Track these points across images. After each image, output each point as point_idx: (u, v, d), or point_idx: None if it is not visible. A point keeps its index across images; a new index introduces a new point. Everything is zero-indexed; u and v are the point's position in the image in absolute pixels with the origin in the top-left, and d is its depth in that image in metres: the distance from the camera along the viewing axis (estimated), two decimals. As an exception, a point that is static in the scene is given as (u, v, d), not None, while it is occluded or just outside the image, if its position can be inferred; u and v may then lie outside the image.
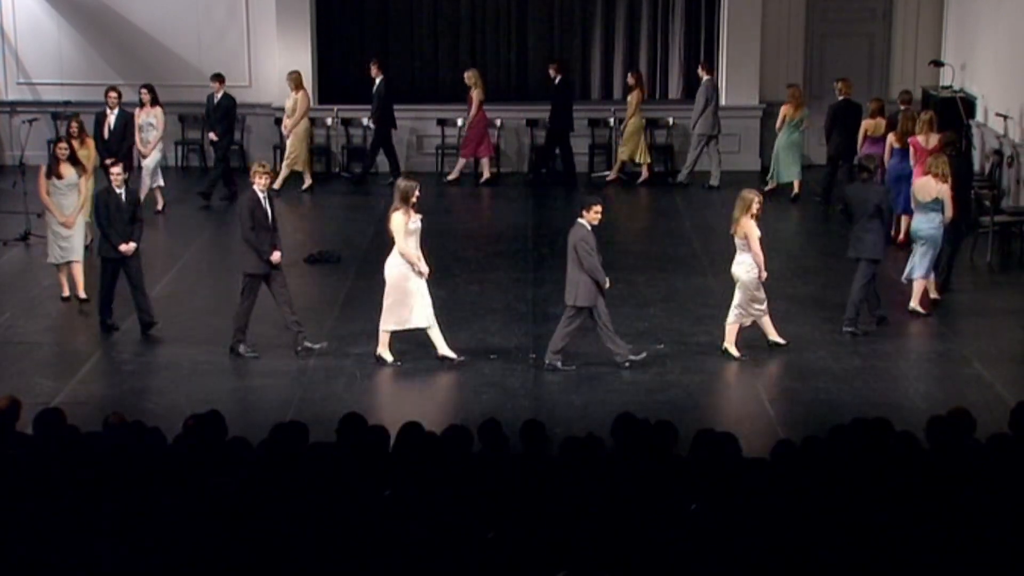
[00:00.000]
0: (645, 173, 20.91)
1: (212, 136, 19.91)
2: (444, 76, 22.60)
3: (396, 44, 22.73)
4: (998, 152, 18.44)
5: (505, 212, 19.61)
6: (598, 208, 12.83)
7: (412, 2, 22.65)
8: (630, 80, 20.96)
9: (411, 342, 13.58)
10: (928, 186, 14.41)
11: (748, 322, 13.27)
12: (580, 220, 12.85)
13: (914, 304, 14.40)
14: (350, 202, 20.09)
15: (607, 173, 21.10)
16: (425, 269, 12.94)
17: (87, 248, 15.20)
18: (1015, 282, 15.89)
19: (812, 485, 8.09)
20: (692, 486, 8.09)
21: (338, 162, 21.72)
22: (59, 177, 14.80)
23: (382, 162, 21.35)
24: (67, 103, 20.68)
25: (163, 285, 15.48)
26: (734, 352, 13.16)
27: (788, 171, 19.69)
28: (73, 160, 15.05)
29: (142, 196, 16.53)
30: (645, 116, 21.49)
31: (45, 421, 9.15)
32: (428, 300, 12.97)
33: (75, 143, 15.69)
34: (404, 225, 12.83)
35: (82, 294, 14.76)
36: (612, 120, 21.46)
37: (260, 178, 13.22)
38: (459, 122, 21.39)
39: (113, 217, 13.76)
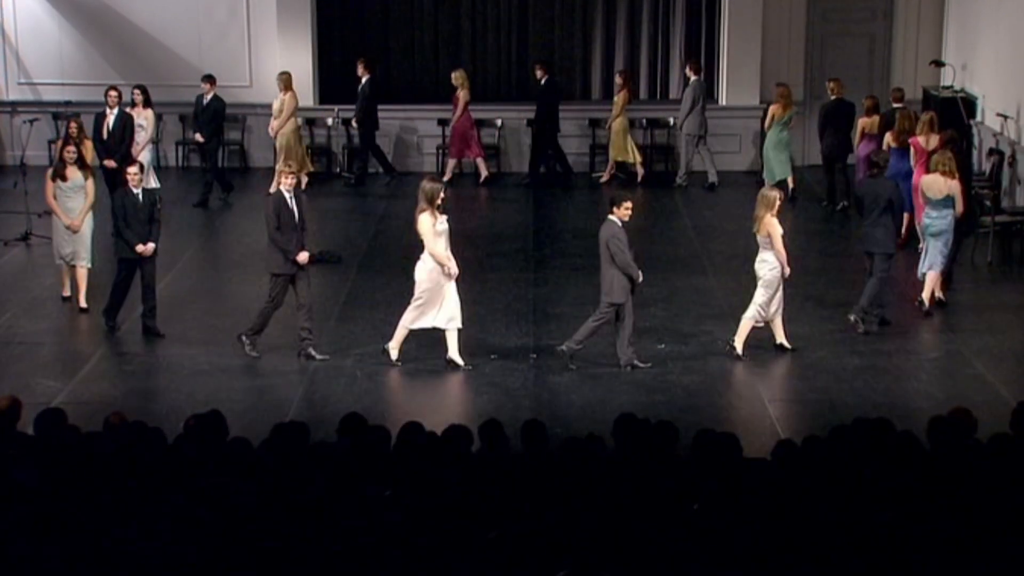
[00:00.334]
0: (641, 172, 20.95)
1: (198, 138, 19.79)
2: (444, 76, 22.52)
3: (396, 44, 22.73)
4: (998, 152, 18.44)
5: (505, 212, 19.61)
6: (628, 204, 12.86)
7: (412, 2, 22.64)
8: (618, 79, 20.98)
9: (411, 342, 13.59)
10: (937, 183, 14.52)
11: (762, 323, 13.26)
12: (611, 216, 12.86)
13: (926, 296, 14.51)
14: (350, 202, 20.09)
15: (602, 174, 21.12)
16: (455, 270, 12.88)
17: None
18: (1015, 282, 15.89)
19: (813, 485, 8.09)
20: (693, 486, 8.09)
21: (338, 162, 21.72)
22: (64, 179, 14.71)
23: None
24: (68, 103, 20.69)
25: (163, 286, 15.41)
26: (738, 348, 13.16)
27: (781, 169, 19.71)
28: (80, 163, 14.97)
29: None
30: (646, 116, 21.59)
31: (46, 421, 9.15)
32: (457, 301, 12.93)
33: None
34: (432, 227, 12.79)
35: (83, 303, 14.62)
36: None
37: (286, 178, 13.16)
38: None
39: (130, 217, 13.71)
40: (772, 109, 19.84)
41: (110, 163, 17.39)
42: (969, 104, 19.37)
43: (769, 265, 13.18)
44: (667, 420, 9.08)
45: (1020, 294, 15.34)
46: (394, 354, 13.01)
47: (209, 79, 19.62)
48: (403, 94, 22.24)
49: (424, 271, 12.89)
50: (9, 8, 21.80)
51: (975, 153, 19.23)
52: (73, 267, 14.78)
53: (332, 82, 22.03)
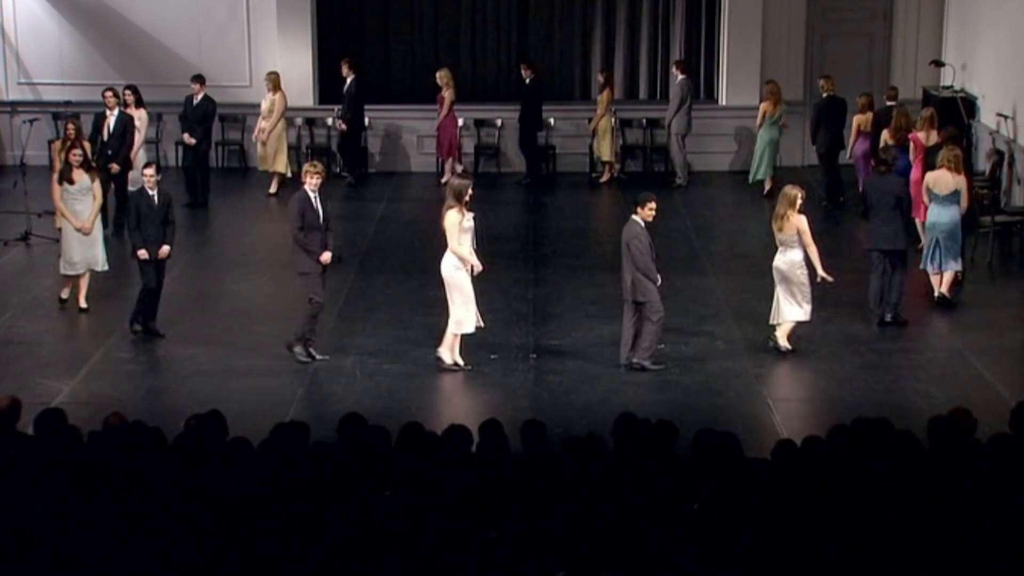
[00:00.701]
0: (607, 175, 21.05)
1: (187, 138, 19.69)
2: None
3: (396, 44, 22.72)
4: (998, 152, 18.45)
5: (505, 212, 19.60)
6: (652, 205, 12.78)
7: (412, 2, 22.64)
8: (599, 79, 20.99)
9: (412, 342, 13.60)
10: (944, 179, 14.61)
11: (808, 319, 13.26)
12: (634, 217, 12.81)
13: (945, 289, 14.67)
14: (350, 202, 20.07)
15: (601, 174, 21.15)
16: (479, 266, 12.86)
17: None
18: (1015, 282, 15.90)
19: (813, 485, 8.09)
20: (693, 486, 8.09)
21: (338, 162, 21.70)
22: (71, 183, 14.57)
23: (383, 162, 21.38)
24: (67, 103, 20.68)
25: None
26: (787, 346, 13.21)
27: (764, 168, 19.82)
28: (87, 165, 14.91)
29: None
30: (646, 117, 21.60)
31: (46, 421, 9.14)
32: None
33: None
34: (458, 224, 12.75)
35: (83, 303, 14.56)
36: (613, 120, 21.44)
37: (311, 178, 13.09)
38: (460, 122, 21.40)
39: (144, 219, 13.63)
40: (763, 107, 19.90)
41: (113, 167, 17.32)
42: (969, 104, 19.37)
43: (798, 264, 13.12)
44: (667, 420, 9.07)
45: (1020, 294, 15.35)
46: (460, 361, 12.91)
47: (198, 79, 19.53)
48: (403, 94, 22.23)
49: (449, 267, 12.83)
50: (9, 8, 21.80)
51: (974, 153, 19.22)
52: (79, 274, 14.59)
53: (332, 82, 22.00)
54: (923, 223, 15.32)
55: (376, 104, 21.70)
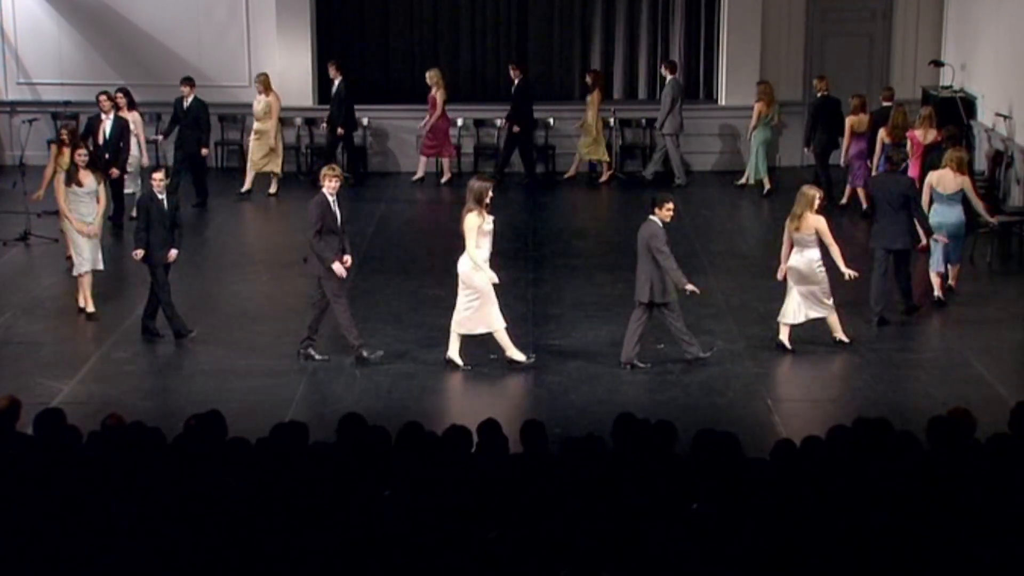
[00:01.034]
0: (572, 172, 21.14)
1: (160, 139, 19.64)
2: (444, 76, 22.56)
3: (396, 44, 22.72)
4: (998, 152, 18.46)
5: (505, 212, 19.58)
6: (670, 205, 12.79)
7: (412, 2, 22.65)
8: (588, 79, 20.99)
9: (412, 342, 13.60)
10: (948, 178, 14.72)
11: (823, 313, 13.32)
12: (651, 217, 12.79)
13: (952, 284, 14.88)
14: (350, 203, 20.03)
15: (600, 174, 21.16)
16: (494, 277, 12.75)
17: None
18: (1015, 282, 15.90)
19: (812, 485, 8.09)
20: (692, 486, 8.09)
21: (338, 162, 21.67)
22: (79, 185, 14.45)
23: (382, 162, 21.37)
24: (67, 103, 20.70)
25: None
26: (844, 338, 13.33)
27: (759, 168, 19.86)
28: (93, 165, 14.82)
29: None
30: (645, 117, 21.58)
31: (45, 421, 9.14)
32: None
33: (66, 149, 15.57)
34: (478, 227, 12.71)
35: (90, 308, 14.47)
36: (613, 120, 21.46)
37: (330, 181, 13.00)
38: (459, 122, 21.41)
39: (154, 223, 13.56)
40: (757, 107, 19.92)
41: (113, 171, 17.24)
42: (968, 104, 19.38)
43: (816, 261, 13.18)
44: (667, 420, 9.07)
45: (1020, 294, 15.35)
46: (519, 356, 12.88)
47: (188, 81, 19.45)
48: (403, 94, 22.22)
49: (468, 268, 12.76)
50: (9, 8, 21.80)
51: (974, 153, 19.21)
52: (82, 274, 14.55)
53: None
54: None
55: (376, 104, 21.71)
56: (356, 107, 20.89)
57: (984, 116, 19.37)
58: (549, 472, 8.39)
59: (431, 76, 20.64)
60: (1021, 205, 17.57)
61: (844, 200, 19.03)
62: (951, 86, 20.14)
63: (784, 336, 13.33)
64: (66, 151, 15.58)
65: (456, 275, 12.91)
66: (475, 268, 12.73)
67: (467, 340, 13.02)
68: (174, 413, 11.08)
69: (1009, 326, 14.23)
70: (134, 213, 18.07)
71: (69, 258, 14.97)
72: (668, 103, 20.52)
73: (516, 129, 20.75)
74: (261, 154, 19.93)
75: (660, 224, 12.73)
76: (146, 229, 13.60)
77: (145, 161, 18.50)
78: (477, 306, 12.82)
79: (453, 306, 13.47)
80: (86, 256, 14.45)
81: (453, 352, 12.96)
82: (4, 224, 17.67)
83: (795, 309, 13.29)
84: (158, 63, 21.46)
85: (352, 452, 8.64)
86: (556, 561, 7.11)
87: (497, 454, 8.72)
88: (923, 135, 16.62)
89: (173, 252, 13.72)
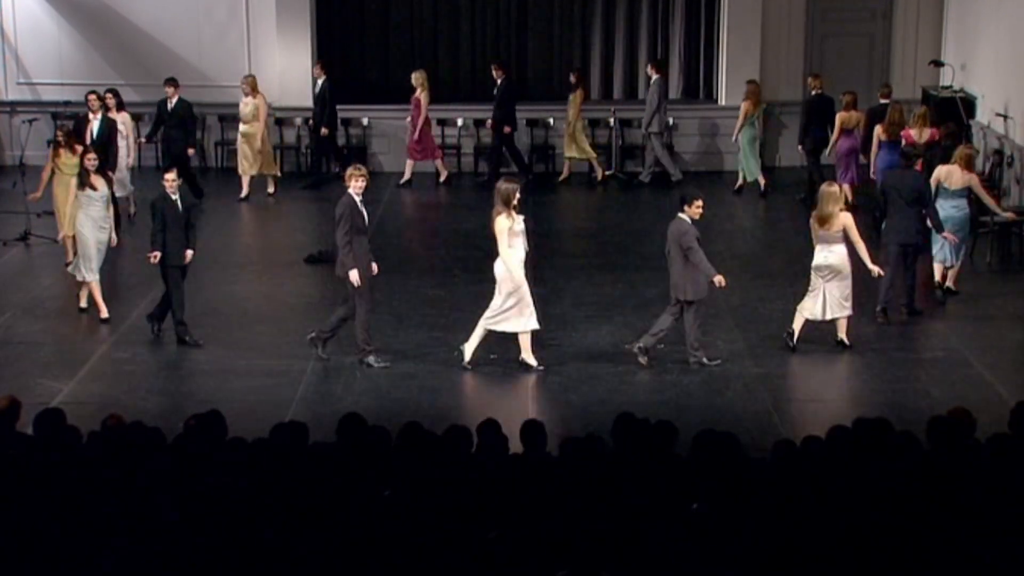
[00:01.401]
0: (565, 174, 21.16)
1: (143, 141, 19.53)
2: (444, 76, 22.59)
3: (396, 44, 22.73)
4: (998, 152, 18.46)
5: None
6: (700, 203, 12.79)
7: (412, 2, 22.65)
8: (572, 79, 20.98)
9: (412, 342, 13.59)
10: (956, 174, 14.81)
11: (846, 312, 13.32)
12: (680, 215, 12.79)
13: (950, 283, 14.96)
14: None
15: (597, 174, 21.17)
16: (521, 277, 12.77)
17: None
18: (1015, 282, 15.90)
19: (812, 485, 8.09)
20: (692, 486, 8.09)
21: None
22: (93, 188, 14.37)
23: (382, 162, 21.37)
24: (67, 103, 20.68)
25: (160, 288, 15.43)
26: (847, 340, 13.30)
27: (753, 168, 19.87)
28: (102, 170, 14.73)
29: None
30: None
31: (45, 421, 9.15)
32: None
33: (62, 150, 15.54)
34: (508, 228, 12.69)
35: (83, 303, 14.45)
36: (612, 120, 21.47)
37: (356, 181, 12.94)
38: (459, 122, 21.40)
39: (170, 224, 13.44)
40: (744, 106, 19.92)
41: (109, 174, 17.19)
42: (968, 104, 19.38)
43: (846, 256, 13.19)
44: (666, 420, 9.07)
45: (1020, 294, 15.35)
46: (531, 360, 12.88)
47: (172, 82, 19.40)
48: (402, 95, 22.20)
49: (504, 269, 12.78)
50: (9, 8, 21.81)
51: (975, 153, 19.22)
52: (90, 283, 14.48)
53: (331, 82, 21.98)
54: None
55: (375, 104, 21.72)
56: (356, 108, 20.87)
57: (984, 116, 19.38)
58: (549, 472, 8.39)
59: (416, 77, 20.59)
60: (1020, 205, 17.56)
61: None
62: (951, 86, 20.15)
63: (797, 326, 13.30)
64: (63, 152, 15.59)
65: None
66: (510, 268, 12.68)
67: (464, 339, 13.02)
68: (174, 413, 11.09)
69: (1009, 326, 14.24)
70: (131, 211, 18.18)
71: (69, 263, 14.96)
72: (655, 102, 20.55)
73: (508, 129, 20.77)
74: (250, 158, 19.87)
75: (689, 221, 12.74)
76: (162, 231, 13.51)
77: (130, 163, 18.41)
78: (516, 306, 12.81)
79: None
80: (94, 265, 14.36)
81: (471, 349, 12.90)
82: (4, 224, 17.67)
83: (821, 306, 13.27)
84: (158, 63, 21.44)
85: (352, 452, 8.64)
86: (556, 561, 7.11)
87: (497, 454, 8.72)
88: (918, 134, 16.68)
89: (189, 253, 13.63)
